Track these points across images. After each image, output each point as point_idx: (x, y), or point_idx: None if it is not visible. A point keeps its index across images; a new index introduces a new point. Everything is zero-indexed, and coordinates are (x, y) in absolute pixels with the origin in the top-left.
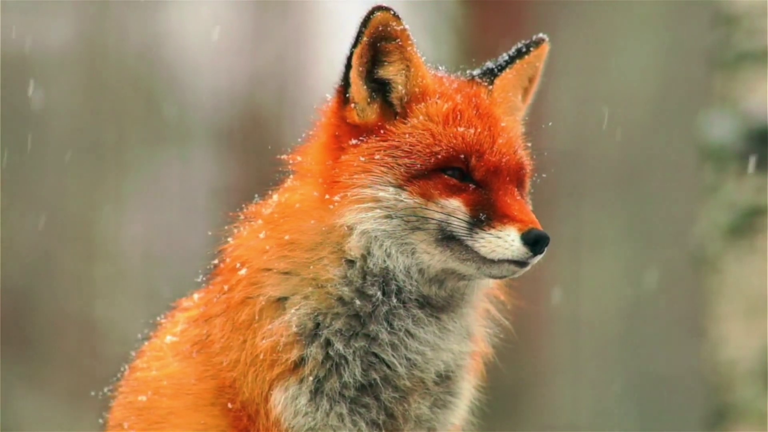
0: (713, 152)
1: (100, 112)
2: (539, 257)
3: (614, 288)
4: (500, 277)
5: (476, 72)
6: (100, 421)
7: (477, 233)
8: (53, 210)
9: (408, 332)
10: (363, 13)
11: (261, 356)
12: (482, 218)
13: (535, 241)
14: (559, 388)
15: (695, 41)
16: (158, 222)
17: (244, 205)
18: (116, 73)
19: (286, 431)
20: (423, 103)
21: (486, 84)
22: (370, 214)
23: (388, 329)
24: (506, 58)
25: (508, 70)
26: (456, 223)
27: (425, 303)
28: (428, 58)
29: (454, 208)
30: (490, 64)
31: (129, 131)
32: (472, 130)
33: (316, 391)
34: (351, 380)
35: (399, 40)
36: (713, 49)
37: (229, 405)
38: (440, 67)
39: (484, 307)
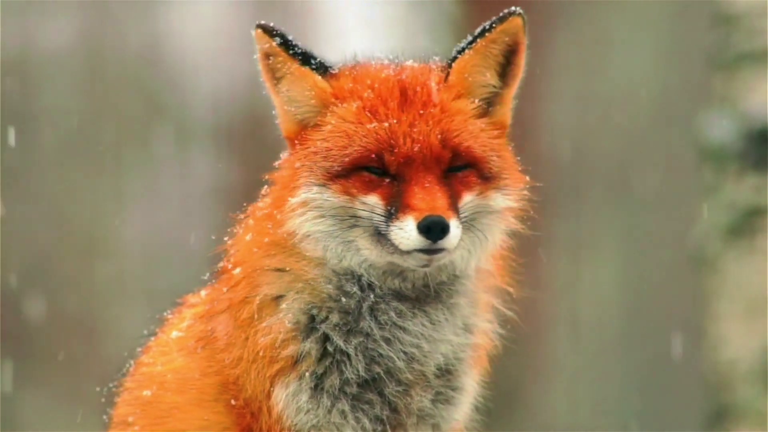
0: (713, 152)
1: (100, 112)
2: (449, 242)
3: (614, 288)
4: (421, 267)
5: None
6: (105, 417)
7: (389, 226)
8: (53, 210)
9: (396, 325)
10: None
11: (261, 353)
12: (392, 211)
13: (427, 229)
14: (559, 388)
15: (695, 41)
16: (158, 222)
17: (245, 205)
18: (116, 73)
19: (289, 429)
20: (332, 107)
21: (443, 68)
22: (303, 217)
23: (376, 324)
24: (469, 38)
25: (467, 50)
26: (377, 218)
27: (403, 296)
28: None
29: (373, 204)
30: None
31: (129, 131)
32: (386, 124)
33: (316, 388)
34: (353, 376)
35: (278, 56)
36: (713, 49)
37: (233, 401)
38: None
39: (487, 301)
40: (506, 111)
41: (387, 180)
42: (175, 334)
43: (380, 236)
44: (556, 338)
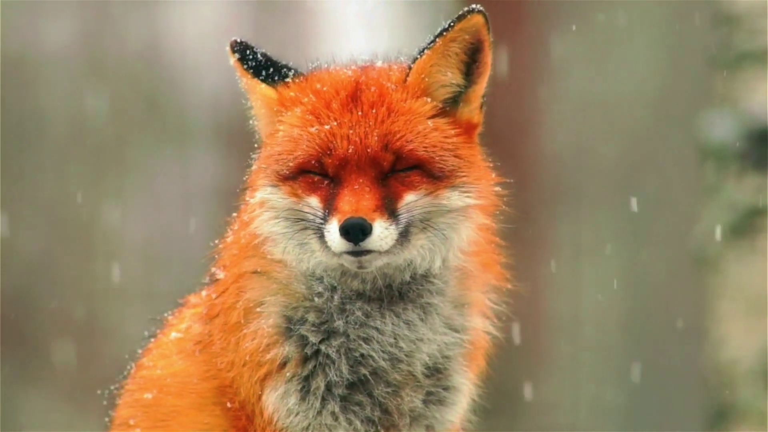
0: (713, 152)
1: (100, 112)
2: (373, 243)
3: (614, 288)
4: (358, 269)
5: None
6: (106, 419)
7: (324, 228)
8: (53, 210)
9: (367, 326)
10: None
11: (248, 358)
12: (326, 213)
13: (345, 231)
14: (559, 388)
15: (695, 41)
16: (158, 222)
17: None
18: (116, 73)
19: (281, 431)
20: (279, 114)
21: (405, 68)
22: (261, 218)
23: (348, 325)
24: (430, 38)
25: (426, 51)
26: (318, 220)
27: (368, 297)
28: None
29: (314, 206)
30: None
31: (129, 131)
32: (327, 127)
33: (302, 390)
34: (338, 378)
35: (237, 71)
36: (713, 49)
37: (228, 404)
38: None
39: (478, 300)
40: (473, 109)
41: (326, 182)
42: (174, 335)
43: (323, 237)
44: (556, 338)
